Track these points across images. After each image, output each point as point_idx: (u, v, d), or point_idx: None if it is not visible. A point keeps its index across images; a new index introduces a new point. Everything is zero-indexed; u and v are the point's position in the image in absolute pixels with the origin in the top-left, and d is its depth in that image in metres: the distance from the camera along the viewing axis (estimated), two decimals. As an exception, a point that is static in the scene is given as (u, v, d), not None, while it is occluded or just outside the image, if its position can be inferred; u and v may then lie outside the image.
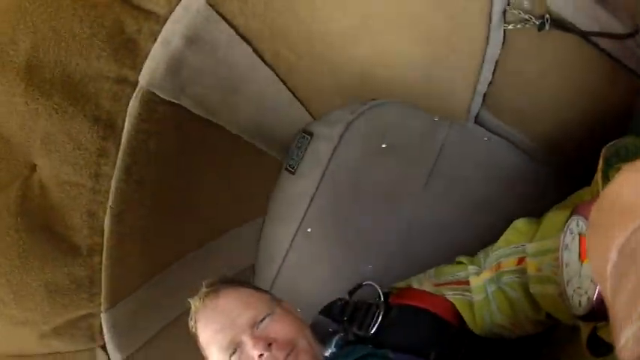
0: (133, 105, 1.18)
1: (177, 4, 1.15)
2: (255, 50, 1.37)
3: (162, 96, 1.23)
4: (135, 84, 1.17)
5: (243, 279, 1.64)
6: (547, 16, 1.13)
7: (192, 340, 1.47)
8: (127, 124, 1.18)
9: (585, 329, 0.79)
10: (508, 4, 1.16)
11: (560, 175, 1.51)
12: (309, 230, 1.68)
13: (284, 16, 1.30)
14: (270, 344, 1.10)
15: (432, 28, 1.27)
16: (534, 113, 1.42)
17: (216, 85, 1.39)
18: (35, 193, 1.13)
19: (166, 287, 1.48)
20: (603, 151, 1.01)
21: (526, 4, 1.15)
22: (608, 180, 0.96)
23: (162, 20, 1.15)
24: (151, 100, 1.21)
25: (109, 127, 1.15)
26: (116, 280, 1.29)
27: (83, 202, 1.17)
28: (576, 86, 1.27)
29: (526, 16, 1.15)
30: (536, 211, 1.14)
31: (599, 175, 0.98)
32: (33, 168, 1.11)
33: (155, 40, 1.16)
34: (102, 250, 1.24)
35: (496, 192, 1.54)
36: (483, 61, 1.29)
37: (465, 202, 1.57)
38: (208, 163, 1.46)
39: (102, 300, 1.29)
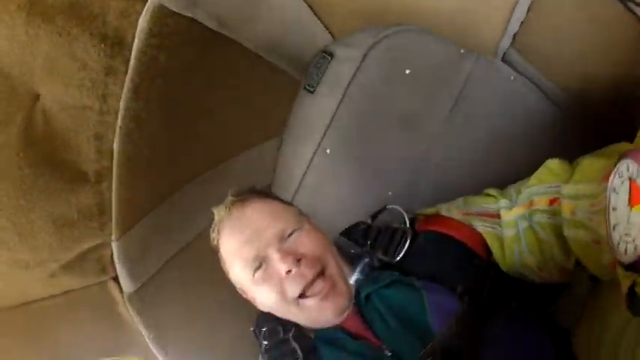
0: (143, 19, 1.06)
1: None
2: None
3: (174, 9, 1.10)
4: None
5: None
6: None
7: (206, 266, 1.44)
8: (136, 41, 1.06)
9: (625, 281, 0.75)
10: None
11: (587, 126, 1.46)
12: (327, 151, 1.63)
13: None
14: (298, 260, 1.05)
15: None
16: (562, 61, 1.36)
17: (232, -3, 1.26)
18: (38, 123, 1.04)
19: (178, 210, 1.42)
20: None
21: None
22: None
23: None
24: (162, 14, 1.08)
25: (117, 45, 1.04)
26: (126, 205, 1.22)
27: (90, 125, 1.08)
28: (605, 43, 1.21)
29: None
30: (558, 157, 1.09)
31: None
32: (36, 98, 1.02)
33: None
34: (110, 174, 1.16)
35: (519, 132, 1.50)
36: (519, -1, 1.20)
37: (487, 138, 1.52)
38: (222, 80, 1.35)
39: (113, 228, 1.23)
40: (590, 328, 0.99)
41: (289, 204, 1.25)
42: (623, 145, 1.00)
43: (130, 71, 1.08)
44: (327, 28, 1.57)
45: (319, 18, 1.52)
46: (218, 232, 1.16)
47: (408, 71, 1.53)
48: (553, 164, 1.04)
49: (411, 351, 1.00)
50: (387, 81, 1.56)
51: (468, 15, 1.38)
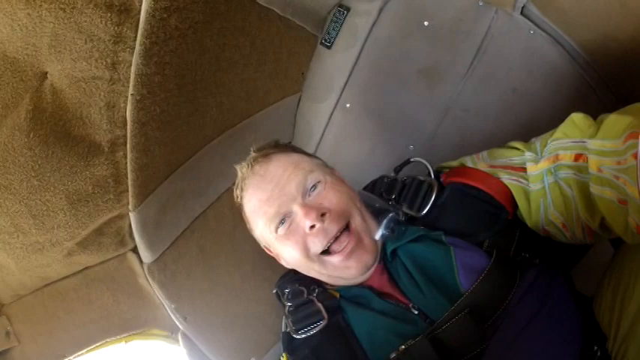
0: None
1: None
2: None
3: None
4: (151, -39, 0.99)
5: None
6: None
7: (225, 231, 1.42)
8: (144, 5, 1.00)
9: None
10: None
11: (607, 85, 1.41)
12: (347, 106, 1.62)
13: None
14: (322, 215, 1.01)
15: None
16: (581, 19, 1.29)
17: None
18: (47, 100, 1.00)
19: (195, 175, 1.39)
20: None
21: None
22: None
23: None
24: None
25: (124, 12, 0.98)
26: (143, 172, 1.19)
27: (101, 95, 1.04)
28: (627, 3, 1.12)
29: None
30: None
31: None
32: (43, 77, 0.99)
33: None
34: (124, 143, 1.12)
35: (537, 86, 1.46)
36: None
37: (508, 92, 1.49)
38: (236, 39, 1.29)
39: (129, 197, 1.20)
40: (613, 294, 0.96)
41: (313, 156, 1.21)
42: None
43: (139, 37, 1.02)
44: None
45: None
46: (241, 190, 1.13)
47: (426, 23, 1.49)
48: (577, 118, 0.98)
49: (438, 309, 0.98)
50: (405, 33, 1.52)
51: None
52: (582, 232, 0.98)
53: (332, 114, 1.65)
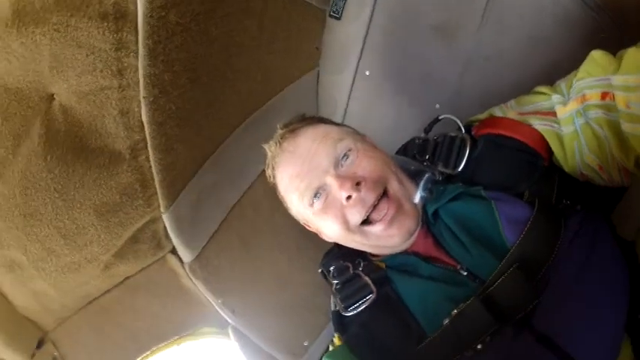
0: None
1: None
2: None
3: None
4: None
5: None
6: None
7: (263, 216, 1.41)
8: (140, 7, 0.98)
9: None
10: None
11: (621, 34, 1.34)
12: (367, 73, 1.59)
13: None
14: (358, 184, 0.97)
15: None
16: None
17: None
18: (59, 121, 1.00)
19: (223, 166, 1.38)
20: None
21: None
22: None
23: None
24: None
25: (121, 18, 0.97)
26: (169, 172, 1.18)
27: (113, 103, 1.03)
28: None
29: None
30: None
31: None
32: (50, 98, 0.99)
33: None
34: (145, 146, 1.11)
35: (553, 31, 1.40)
36: None
37: (524, 39, 1.43)
38: (242, 22, 1.26)
39: (160, 200, 1.20)
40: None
41: (342, 125, 1.17)
42: None
43: (141, 39, 1.00)
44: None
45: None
46: (273, 169, 1.10)
47: None
48: (598, 55, 0.93)
49: (487, 266, 0.95)
50: None
51: None
52: (619, 173, 0.95)
53: (353, 84, 1.62)
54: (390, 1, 1.49)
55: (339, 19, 1.57)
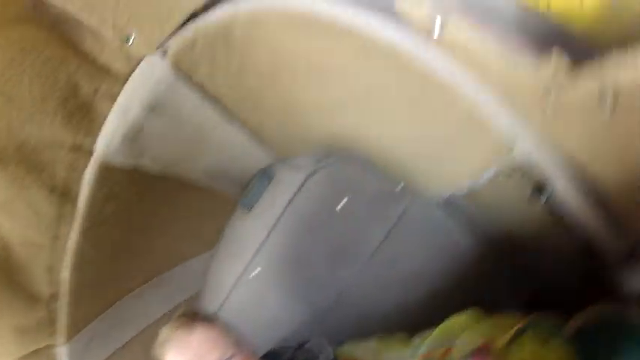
0: (89, 174, 1.19)
1: (137, 64, 1.10)
2: (223, 109, 1.35)
3: (119, 165, 1.23)
4: (90, 153, 1.17)
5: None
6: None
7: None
8: (84, 193, 1.21)
9: None
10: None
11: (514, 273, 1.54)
12: (257, 271, 1.73)
13: (258, 81, 1.25)
14: None
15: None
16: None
17: (177, 144, 1.39)
18: None
19: (117, 317, 1.54)
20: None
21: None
22: None
23: (121, 80, 1.11)
24: (107, 169, 1.20)
25: (65, 195, 1.16)
26: (72, 318, 1.33)
27: (43, 259, 1.20)
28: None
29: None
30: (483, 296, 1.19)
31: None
32: None
33: (113, 101, 1.13)
34: (61, 297, 1.28)
35: (440, 278, 1.57)
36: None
37: (411, 275, 1.59)
38: (163, 213, 1.49)
39: (59, 335, 1.38)
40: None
41: (230, 330, 1.31)
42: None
43: (78, 219, 1.22)
44: (272, 152, 1.64)
45: (265, 144, 1.59)
46: (164, 351, 1.24)
47: (344, 200, 1.61)
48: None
49: None
50: (321, 211, 1.64)
51: (421, 164, 1.40)
52: None
53: (241, 276, 1.74)
54: (298, 214, 1.64)
55: (248, 212, 1.73)
